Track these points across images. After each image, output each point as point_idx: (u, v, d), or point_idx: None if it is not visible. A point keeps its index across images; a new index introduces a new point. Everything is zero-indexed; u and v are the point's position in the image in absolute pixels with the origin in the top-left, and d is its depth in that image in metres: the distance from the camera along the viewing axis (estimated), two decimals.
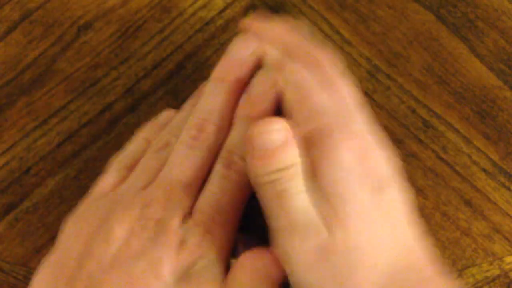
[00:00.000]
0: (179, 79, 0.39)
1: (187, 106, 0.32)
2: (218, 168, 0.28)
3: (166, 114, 0.33)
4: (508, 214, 0.35)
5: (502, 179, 0.36)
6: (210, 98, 0.30)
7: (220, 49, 0.40)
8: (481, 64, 0.40)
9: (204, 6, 0.41)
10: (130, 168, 0.30)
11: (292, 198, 0.24)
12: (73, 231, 0.27)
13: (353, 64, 0.39)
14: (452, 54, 0.40)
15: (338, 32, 0.40)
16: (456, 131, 0.37)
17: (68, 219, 0.28)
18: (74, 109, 0.38)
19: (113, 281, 0.24)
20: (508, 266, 0.34)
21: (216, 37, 0.40)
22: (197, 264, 0.25)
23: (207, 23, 0.40)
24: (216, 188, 0.27)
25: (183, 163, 0.28)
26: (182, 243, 0.25)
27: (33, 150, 0.37)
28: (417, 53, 0.40)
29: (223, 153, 0.28)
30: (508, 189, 0.36)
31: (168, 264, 0.25)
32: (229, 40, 0.40)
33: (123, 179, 0.30)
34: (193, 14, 0.41)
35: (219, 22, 0.40)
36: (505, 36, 0.40)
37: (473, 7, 0.41)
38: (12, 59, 0.39)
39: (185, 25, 0.40)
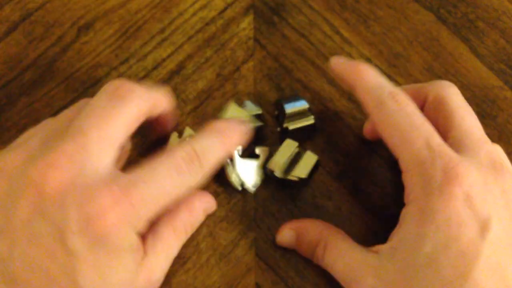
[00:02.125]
0: (179, 79, 0.39)
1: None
2: None
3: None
4: None
5: None
6: None
7: (220, 49, 0.40)
8: (481, 64, 0.40)
9: (204, 6, 0.41)
10: None
11: None
12: None
13: None
14: (453, 54, 0.40)
15: (338, 32, 0.40)
16: None
17: None
18: None
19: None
20: None
21: (216, 37, 0.40)
22: None
23: (207, 23, 0.40)
24: None
25: None
26: None
27: None
28: (417, 53, 0.40)
29: None
30: None
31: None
32: (229, 40, 0.40)
33: None
34: (194, 14, 0.41)
35: (219, 22, 0.40)
36: (505, 36, 0.40)
37: (473, 7, 0.41)
38: (13, 59, 0.39)
39: (185, 25, 0.40)
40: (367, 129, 0.36)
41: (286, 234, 0.34)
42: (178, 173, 0.28)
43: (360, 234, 0.34)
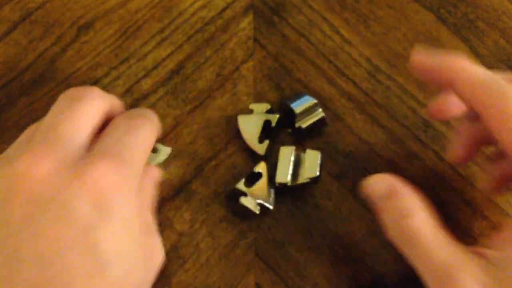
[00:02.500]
0: (179, 79, 0.39)
1: None
2: None
3: None
4: (508, 214, 0.35)
5: None
6: None
7: (220, 49, 0.40)
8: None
9: (204, 6, 0.41)
10: None
11: None
12: None
13: (353, 64, 0.39)
14: None
15: (338, 32, 0.40)
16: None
17: None
18: None
19: None
20: None
21: (216, 37, 0.40)
22: None
23: (207, 23, 0.40)
24: None
25: None
26: None
27: None
28: None
29: None
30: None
31: None
32: (229, 40, 0.40)
33: None
34: (193, 14, 0.41)
35: (219, 22, 0.40)
36: (505, 36, 0.40)
37: (473, 7, 0.41)
38: (12, 59, 0.39)
39: (185, 25, 0.40)
40: (434, 108, 0.33)
41: (380, 186, 0.30)
42: (136, 129, 0.29)
43: (360, 234, 0.34)
